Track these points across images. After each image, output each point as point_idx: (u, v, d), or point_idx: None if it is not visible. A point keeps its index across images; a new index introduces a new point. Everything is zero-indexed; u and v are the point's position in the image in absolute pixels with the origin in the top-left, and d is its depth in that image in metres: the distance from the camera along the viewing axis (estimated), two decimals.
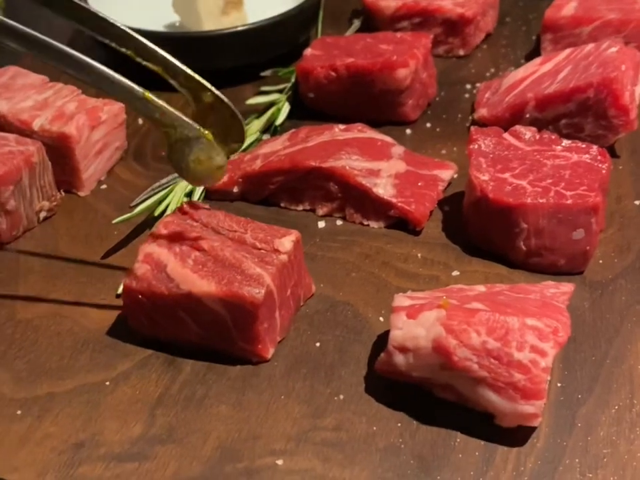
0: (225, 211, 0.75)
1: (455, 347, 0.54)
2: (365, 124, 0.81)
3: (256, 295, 0.58)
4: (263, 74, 0.95)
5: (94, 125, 0.78)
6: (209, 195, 0.78)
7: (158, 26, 1.02)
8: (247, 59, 0.96)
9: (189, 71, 0.65)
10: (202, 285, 0.59)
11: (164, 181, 0.79)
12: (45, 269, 0.70)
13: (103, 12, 0.95)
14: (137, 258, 0.61)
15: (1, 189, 0.70)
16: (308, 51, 0.90)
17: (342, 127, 0.79)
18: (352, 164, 0.74)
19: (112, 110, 0.80)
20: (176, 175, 0.78)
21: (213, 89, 0.65)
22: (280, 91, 0.93)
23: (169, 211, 0.74)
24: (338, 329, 0.64)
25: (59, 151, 0.76)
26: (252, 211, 0.77)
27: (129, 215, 0.72)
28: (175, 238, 0.62)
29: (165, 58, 0.65)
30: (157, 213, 0.74)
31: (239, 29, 0.93)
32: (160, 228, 0.63)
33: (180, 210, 0.65)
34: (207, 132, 0.62)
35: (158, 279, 0.60)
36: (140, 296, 0.60)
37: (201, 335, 0.61)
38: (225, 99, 0.66)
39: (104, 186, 0.80)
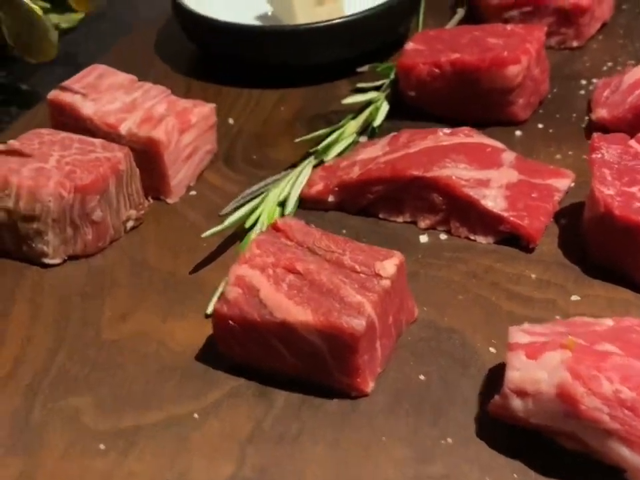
0: (319, 221, 0.71)
1: (582, 395, 0.48)
2: (469, 124, 0.75)
3: (356, 326, 0.53)
4: (359, 69, 0.89)
5: (184, 128, 0.74)
6: (302, 204, 0.73)
7: (249, 18, 0.97)
8: (342, 53, 0.90)
9: None
10: (297, 313, 0.54)
11: (255, 188, 0.75)
12: (131, 282, 0.66)
13: (198, 7, 0.93)
14: (228, 280, 0.57)
15: (86, 198, 0.67)
16: (409, 45, 0.84)
17: (447, 131, 0.73)
18: (458, 173, 0.68)
19: (202, 112, 0.76)
20: (268, 181, 0.75)
21: None
22: (377, 88, 0.87)
23: (259, 224, 0.69)
24: (443, 360, 0.59)
25: (147, 156, 0.73)
26: (348, 221, 0.71)
27: (218, 228, 0.67)
28: (268, 258, 0.57)
29: None
30: (248, 225, 0.69)
31: (337, 21, 0.88)
32: (252, 247, 0.58)
33: (273, 227, 0.61)
34: (40, 11, 0.64)
35: (250, 304, 0.55)
36: (231, 322, 0.56)
37: (296, 365, 0.56)
38: None
39: (193, 192, 0.76)
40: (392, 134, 0.75)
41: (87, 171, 0.67)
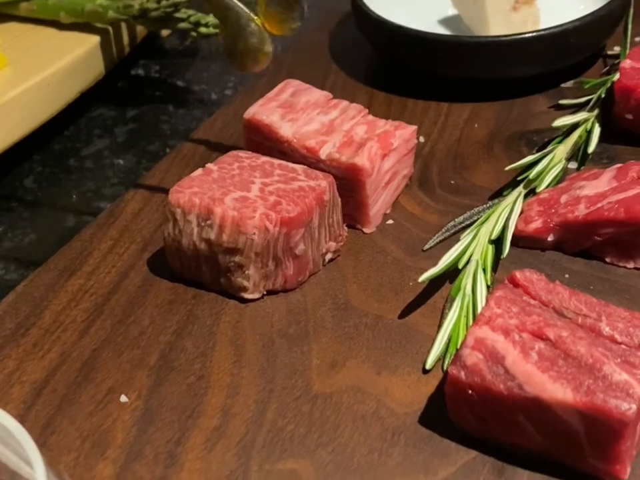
0: (536, 262, 0.65)
1: None
2: None
3: (625, 411, 0.46)
4: (564, 85, 0.81)
5: (385, 153, 0.68)
6: (516, 242, 0.66)
7: (433, 22, 0.91)
8: (540, 68, 0.83)
9: None
10: (554, 390, 0.48)
11: (459, 219, 0.69)
12: (336, 326, 0.62)
13: (379, 10, 0.87)
14: (465, 342, 0.51)
15: (291, 232, 0.62)
16: (626, 63, 0.75)
17: None
18: None
19: (403, 135, 0.70)
20: (473, 212, 0.69)
21: None
22: (581, 105, 0.79)
23: (472, 264, 0.63)
24: None
25: (346, 183, 0.67)
26: (570, 265, 0.65)
27: (433, 271, 0.61)
28: (512, 320, 0.51)
29: None
30: (460, 266, 0.63)
31: (535, 34, 0.80)
32: (492, 306, 0.52)
33: (511, 280, 0.54)
34: (256, 18, 0.61)
35: (494, 373, 0.50)
36: (469, 390, 0.50)
37: (542, 444, 0.50)
38: None
39: (390, 221, 0.71)
40: (617, 165, 0.68)
41: (292, 203, 0.62)
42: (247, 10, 0.62)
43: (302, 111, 0.71)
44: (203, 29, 0.91)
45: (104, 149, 0.89)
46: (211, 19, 0.92)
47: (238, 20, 0.62)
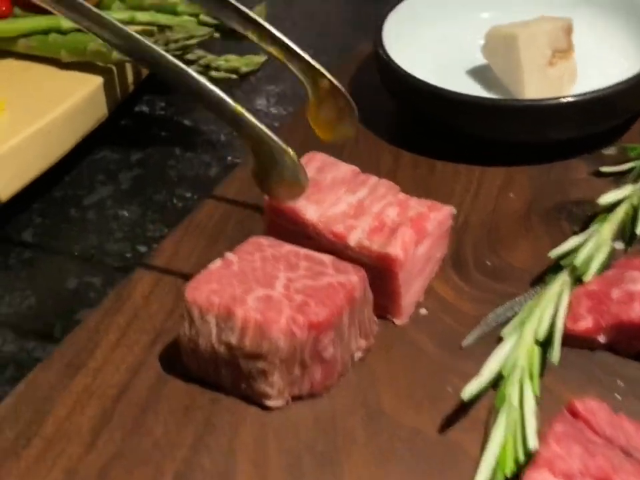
0: (586, 363, 0.60)
1: None
2: None
3: None
4: (605, 152, 0.76)
5: (420, 239, 0.63)
6: (562, 340, 0.60)
7: (460, 70, 0.86)
8: (581, 130, 0.77)
9: (309, 58, 0.66)
10: None
11: (499, 311, 0.63)
12: (370, 440, 0.56)
13: (402, 57, 0.81)
14: None
15: (320, 336, 0.56)
16: None
17: None
18: None
19: (438, 217, 0.65)
20: (514, 302, 0.64)
21: (330, 76, 0.66)
22: (623, 173, 0.74)
23: (518, 370, 0.58)
24: None
25: (377, 272, 0.62)
26: (624, 370, 0.59)
27: (480, 385, 0.55)
28: (574, 463, 0.46)
29: (287, 44, 0.66)
30: (506, 373, 0.58)
31: (573, 99, 0.74)
32: (551, 444, 0.47)
33: (570, 410, 0.49)
34: (292, 151, 0.58)
35: None
36: None
37: None
38: (340, 87, 0.66)
39: (423, 310, 0.65)
40: None
41: (321, 304, 0.56)
42: (280, 142, 0.57)
43: (328, 190, 0.65)
44: (213, 73, 0.86)
45: (107, 197, 0.83)
46: (222, 61, 0.87)
47: (271, 153, 0.57)
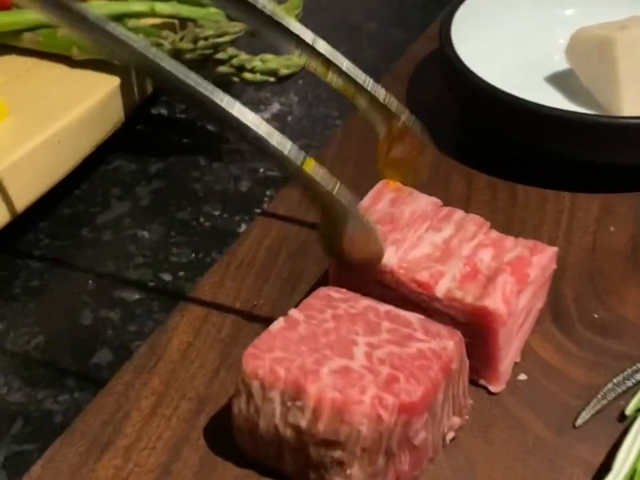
0: None
1: None
2: None
3: None
4: None
5: (521, 288, 0.51)
6: None
7: (538, 76, 0.75)
8: None
9: (383, 96, 0.55)
10: None
11: (618, 379, 0.52)
12: None
13: (472, 63, 0.70)
14: None
15: (412, 420, 0.45)
16: None
17: None
18: None
19: (541, 261, 0.53)
20: (634, 369, 0.52)
21: (407, 115, 0.56)
22: None
23: None
24: None
25: (470, 329, 0.50)
26: None
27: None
28: None
29: (362, 78, 0.55)
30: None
31: None
32: None
33: None
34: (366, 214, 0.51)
35: None
36: None
37: None
38: (417, 126, 0.57)
39: (522, 376, 0.54)
40: None
41: (413, 379, 0.45)
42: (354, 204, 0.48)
43: (408, 227, 0.54)
44: (247, 75, 0.74)
45: (124, 214, 0.71)
46: (258, 62, 0.75)
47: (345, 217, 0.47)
